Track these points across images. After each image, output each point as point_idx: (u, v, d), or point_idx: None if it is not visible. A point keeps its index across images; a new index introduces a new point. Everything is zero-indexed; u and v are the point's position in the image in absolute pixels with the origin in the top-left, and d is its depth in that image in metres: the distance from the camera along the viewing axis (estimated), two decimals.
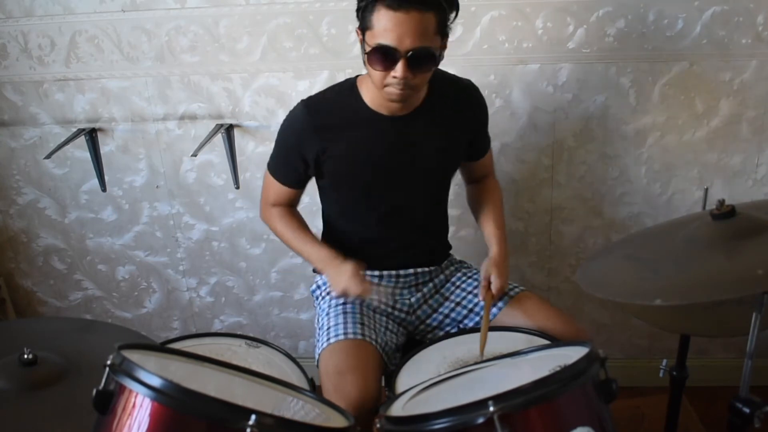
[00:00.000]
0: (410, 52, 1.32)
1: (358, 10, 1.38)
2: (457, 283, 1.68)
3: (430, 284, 1.67)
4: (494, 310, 1.58)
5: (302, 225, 1.67)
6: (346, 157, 1.52)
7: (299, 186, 1.63)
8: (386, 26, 1.31)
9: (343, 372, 1.41)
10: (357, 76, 1.54)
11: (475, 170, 1.72)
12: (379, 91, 1.42)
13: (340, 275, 1.52)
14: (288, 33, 1.90)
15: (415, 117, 1.51)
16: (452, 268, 1.71)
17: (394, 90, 1.38)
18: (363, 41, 1.37)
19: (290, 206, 1.69)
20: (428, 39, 1.33)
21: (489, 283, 1.54)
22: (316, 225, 1.73)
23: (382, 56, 1.33)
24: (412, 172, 1.55)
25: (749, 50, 1.83)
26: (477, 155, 1.68)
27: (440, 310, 1.66)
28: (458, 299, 1.65)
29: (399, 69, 1.33)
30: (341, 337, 1.49)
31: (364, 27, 1.36)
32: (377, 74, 1.37)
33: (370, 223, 1.61)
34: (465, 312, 1.63)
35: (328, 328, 1.54)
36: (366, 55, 1.37)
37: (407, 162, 1.54)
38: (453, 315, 1.64)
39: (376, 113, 1.49)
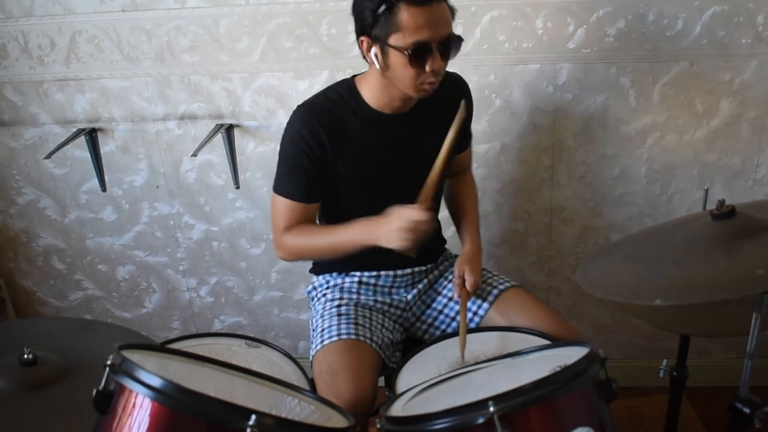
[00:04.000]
0: (442, 42, 1.33)
1: (373, 19, 1.32)
2: (450, 278, 1.68)
3: (425, 280, 1.67)
4: (485, 305, 1.59)
5: (320, 226, 1.59)
6: (353, 159, 1.51)
7: (313, 199, 1.51)
8: (418, 23, 1.30)
9: (336, 372, 1.41)
10: (354, 76, 1.53)
11: (456, 165, 1.71)
12: (410, 91, 1.40)
13: (391, 231, 1.36)
14: (288, 33, 1.90)
15: (416, 113, 1.51)
16: (446, 264, 1.72)
17: (427, 86, 1.39)
18: (384, 46, 1.34)
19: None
20: (451, 24, 1.36)
21: (463, 280, 1.58)
22: None
23: (421, 54, 1.33)
24: (414, 170, 1.54)
25: (749, 50, 1.83)
26: (460, 149, 1.69)
27: (433, 305, 1.66)
28: (450, 294, 1.66)
29: (436, 61, 1.34)
30: (335, 338, 1.49)
31: (385, 32, 1.32)
32: (412, 73, 1.35)
33: None
34: (457, 308, 1.62)
35: (322, 330, 1.53)
36: (401, 58, 1.32)
37: (410, 159, 1.53)
38: (446, 311, 1.65)
39: (379, 112, 1.49)
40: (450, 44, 1.36)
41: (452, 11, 1.37)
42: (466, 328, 1.50)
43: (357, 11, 1.37)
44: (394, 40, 1.32)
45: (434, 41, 1.32)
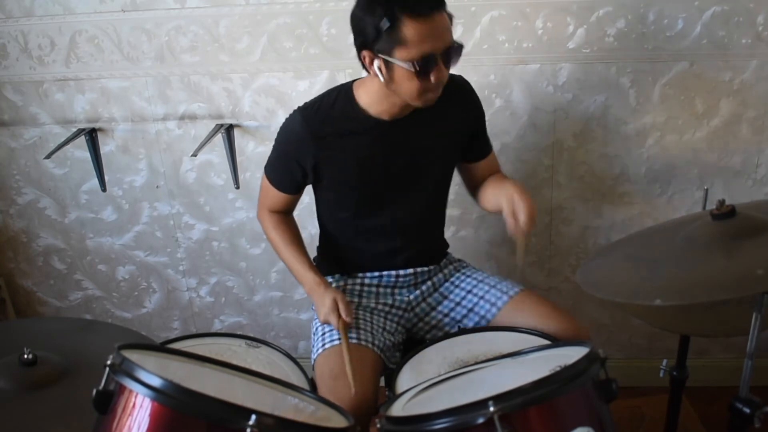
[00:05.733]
0: (445, 52, 1.34)
1: (376, 34, 1.31)
2: (456, 283, 1.68)
3: (429, 282, 1.67)
4: (493, 310, 1.58)
5: (295, 238, 1.66)
6: (346, 164, 1.51)
7: (295, 192, 1.62)
8: (422, 36, 1.30)
9: (337, 376, 1.41)
10: (352, 81, 1.53)
11: (482, 172, 1.66)
12: (415, 101, 1.40)
13: (323, 306, 1.52)
14: (288, 33, 1.90)
15: (413, 119, 1.50)
16: (451, 267, 1.71)
17: (432, 94, 1.39)
18: (388, 59, 1.33)
19: (286, 213, 1.68)
20: (451, 32, 1.36)
21: (514, 217, 1.40)
22: (316, 225, 1.73)
23: (428, 66, 1.33)
24: (412, 175, 1.55)
25: (749, 50, 1.83)
26: (480, 154, 1.65)
27: (439, 308, 1.66)
28: (458, 299, 1.65)
29: (440, 71, 1.34)
30: (336, 342, 1.49)
31: (389, 47, 1.32)
32: (418, 85, 1.35)
33: (369, 226, 1.61)
34: (464, 311, 1.63)
35: (323, 334, 1.54)
36: (410, 70, 1.32)
37: (408, 164, 1.53)
38: (452, 314, 1.64)
39: (375, 118, 1.49)
40: (452, 53, 1.36)
41: (450, 17, 1.36)
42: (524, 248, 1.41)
43: (357, 26, 1.36)
44: (398, 54, 1.32)
45: (438, 52, 1.33)
